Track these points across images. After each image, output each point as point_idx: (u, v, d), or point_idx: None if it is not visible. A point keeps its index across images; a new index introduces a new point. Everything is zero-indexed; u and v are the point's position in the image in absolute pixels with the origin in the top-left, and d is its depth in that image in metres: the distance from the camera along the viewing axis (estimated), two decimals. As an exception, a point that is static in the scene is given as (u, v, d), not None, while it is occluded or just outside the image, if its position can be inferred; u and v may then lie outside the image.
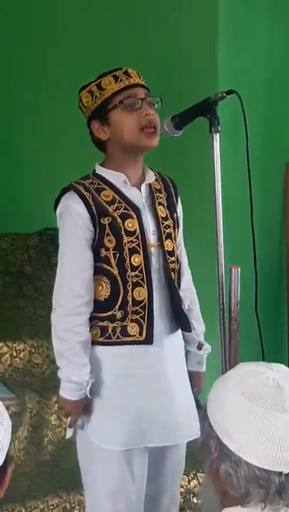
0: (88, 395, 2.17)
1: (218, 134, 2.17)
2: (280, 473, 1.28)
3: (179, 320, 2.27)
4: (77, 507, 2.94)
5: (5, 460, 1.27)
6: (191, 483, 3.06)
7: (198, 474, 3.12)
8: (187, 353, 2.36)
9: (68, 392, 2.18)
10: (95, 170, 2.25)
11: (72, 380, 2.15)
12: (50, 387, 3.30)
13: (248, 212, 2.23)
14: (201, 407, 2.53)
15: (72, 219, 2.15)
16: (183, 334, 2.32)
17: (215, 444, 1.33)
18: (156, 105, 2.21)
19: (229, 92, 2.15)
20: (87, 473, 2.27)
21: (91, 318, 2.18)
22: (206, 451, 1.37)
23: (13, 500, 2.87)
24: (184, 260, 2.38)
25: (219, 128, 2.16)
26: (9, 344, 3.45)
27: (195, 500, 3.11)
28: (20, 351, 3.47)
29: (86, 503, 2.35)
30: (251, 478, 1.29)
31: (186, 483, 3.08)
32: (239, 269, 2.20)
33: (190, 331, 2.32)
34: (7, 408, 1.39)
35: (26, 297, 3.87)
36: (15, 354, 3.46)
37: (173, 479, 2.37)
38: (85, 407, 2.21)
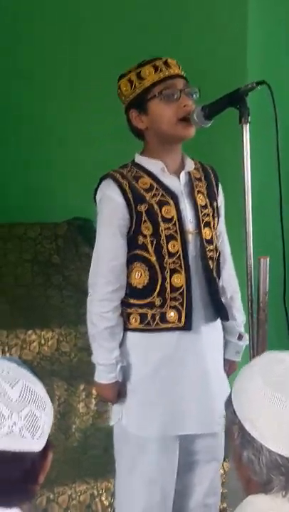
0: (119, 379, 2.20)
1: (248, 125, 2.16)
2: None
3: (217, 308, 2.27)
4: (104, 493, 2.97)
5: (46, 445, 1.29)
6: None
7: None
8: (226, 342, 2.36)
9: (99, 375, 2.23)
10: (134, 160, 2.26)
11: (100, 363, 2.21)
12: (78, 375, 3.33)
13: (277, 203, 2.23)
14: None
15: (109, 206, 2.18)
16: (223, 324, 2.32)
17: (238, 431, 1.33)
18: (194, 95, 2.21)
19: (260, 83, 2.14)
20: (122, 463, 2.27)
21: (130, 306, 2.21)
22: (230, 438, 1.38)
23: (42, 485, 2.88)
24: (226, 250, 2.38)
25: (249, 119, 2.15)
26: (38, 332, 3.49)
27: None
28: (49, 339, 3.51)
29: (117, 492, 2.34)
30: (273, 465, 1.29)
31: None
32: (268, 259, 2.19)
33: (227, 320, 2.32)
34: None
35: (54, 286, 3.91)
36: (43, 342, 3.49)
37: (210, 468, 2.35)
38: (120, 394, 2.23)
